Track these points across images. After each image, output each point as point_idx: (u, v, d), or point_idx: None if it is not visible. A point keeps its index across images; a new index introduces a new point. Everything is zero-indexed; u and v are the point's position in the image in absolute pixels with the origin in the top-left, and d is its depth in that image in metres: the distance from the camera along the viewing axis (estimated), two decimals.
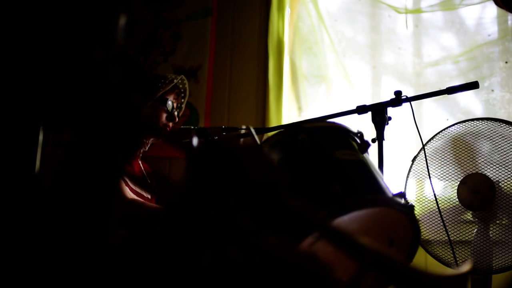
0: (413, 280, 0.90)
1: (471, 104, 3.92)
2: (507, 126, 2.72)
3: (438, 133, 2.85)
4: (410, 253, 1.67)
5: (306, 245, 1.31)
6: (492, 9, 3.94)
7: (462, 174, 2.74)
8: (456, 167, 2.77)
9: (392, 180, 3.63)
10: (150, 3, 4.25)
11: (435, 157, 2.81)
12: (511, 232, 2.65)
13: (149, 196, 2.98)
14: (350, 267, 1.17)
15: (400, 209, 1.55)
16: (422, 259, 3.17)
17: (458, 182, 2.74)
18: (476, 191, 2.68)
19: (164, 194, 0.94)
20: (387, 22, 4.16)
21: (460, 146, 2.79)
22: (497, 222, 2.70)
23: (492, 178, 2.68)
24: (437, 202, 2.59)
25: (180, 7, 4.24)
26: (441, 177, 2.78)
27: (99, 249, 0.97)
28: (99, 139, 0.99)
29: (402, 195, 1.60)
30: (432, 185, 2.62)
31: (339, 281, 1.09)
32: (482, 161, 2.73)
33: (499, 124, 2.74)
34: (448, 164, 2.79)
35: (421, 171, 2.83)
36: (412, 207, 1.60)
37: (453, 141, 2.80)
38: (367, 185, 1.57)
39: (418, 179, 2.82)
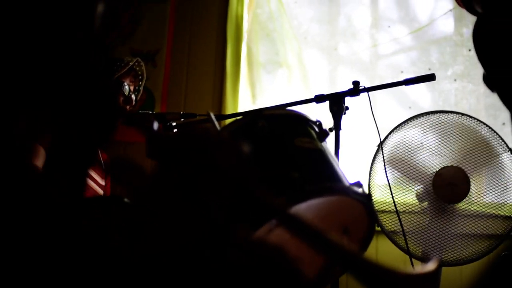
0: (368, 270, 0.90)
1: (429, 94, 3.98)
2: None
3: (411, 119, 2.85)
4: (365, 242, 1.69)
5: (263, 232, 1.31)
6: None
7: (437, 166, 2.77)
8: (430, 158, 2.79)
9: (360, 167, 3.67)
10: None
11: (403, 147, 2.81)
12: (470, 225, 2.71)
13: (103, 183, 2.94)
14: (315, 262, 1.17)
15: (357, 198, 1.56)
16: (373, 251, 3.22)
17: (432, 175, 2.75)
18: (453, 183, 2.71)
19: (133, 184, 0.92)
20: (345, 7, 4.19)
21: (432, 138, 2.81)
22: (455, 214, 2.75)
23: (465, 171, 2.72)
24: (391, 193, 2.62)
25: None
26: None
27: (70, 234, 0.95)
28: (77, 122, 0.97)
29: (359, 184, 1.62)
30: (386, 174, 2.66)
31: (306, 275, 1.10)
32: (454, 154, 2.77)
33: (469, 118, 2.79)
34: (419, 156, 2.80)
35: (388, 159, 2.84)
36: (368, 196, 1.61)
37: (424, 131, 2.82)
38: (325, 173, 1.57)
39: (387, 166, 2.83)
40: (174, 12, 4.14)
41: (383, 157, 2.71)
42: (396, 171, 2.75)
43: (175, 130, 2.52)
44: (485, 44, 1.06)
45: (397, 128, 2.81)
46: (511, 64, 0.98)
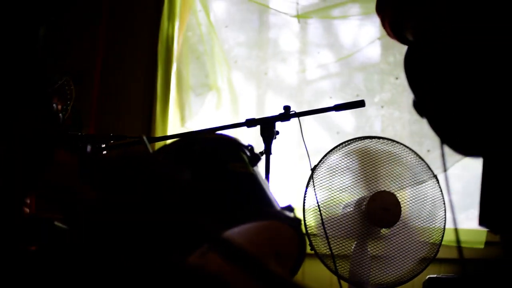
0: None
1: (352, 120, 4.05)
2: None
3: (343, 144, 2.87)
4: (296, 266, 1.70)
5: (196, 257, 1.30)
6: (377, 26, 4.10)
7: (369, 191, 2.80)
8: (362, 183, 2.82)
9: (291, 192, 3.70)
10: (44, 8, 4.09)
11: (336, 172, 2.83)
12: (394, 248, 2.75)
13: (28, 200, 2.86)
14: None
15: (288, 222, 1.57)
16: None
17: (365, 200, 2.78)
18: (386, 208, 2.75)
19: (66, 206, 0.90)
20: (275, 32, 4.24)
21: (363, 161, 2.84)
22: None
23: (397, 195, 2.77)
24: (321, 216, 2.65)
25: (70, 9, 4.12)
26: (343, 190, 2.81)
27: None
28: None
29: (290, 208, 1.63)
30: (316, 198, 2.68)
31: None
32: (385, 179, 2.81)
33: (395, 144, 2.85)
34: (350, 179, 2.82)
35: (321, 183, 2.84)
36: (299, 220, 1.62)
37: (356, 155, 2.84)
38: (257, 197, 1.58)
39: (319, 189, 2.84)
40: (105, 32, 4.09)
41: (313, 182, 2.74)
42: (329, 195, 2.78)
43: (104, 152, 2.49)
44: (415, 71, 1.08)
45: (331, 152, 2.84)
46: (440, 91, 1.01)
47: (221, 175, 1.58)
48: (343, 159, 2.82)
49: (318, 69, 4.16)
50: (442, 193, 2.84)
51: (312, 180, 2.77)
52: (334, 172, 2.79)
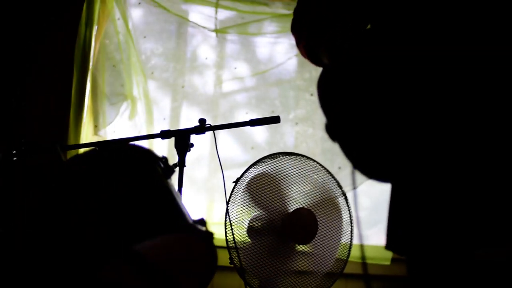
0: None
1: (266, 134, 4.09)
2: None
3: (263, 159, 2.88)
4: (205, 280, 1.70)
5: (108, 270, 1.29)
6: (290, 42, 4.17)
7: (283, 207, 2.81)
8: (280, 199, 2.83)
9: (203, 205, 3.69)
10: None
11: (255, 187, 2.82)
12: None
13: None
14: None
15: (199, 235, 1.57)
16: None
17: (282, 216, 2.79)
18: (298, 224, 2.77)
19: None
20: (193, 45, 4.25)
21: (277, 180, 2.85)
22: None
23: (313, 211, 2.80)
24: (232, 230, 2.65)
25: None
26: (260, 205, 2.81)
27: None
28: None
29: (202, 221, 1.63)
30: (228, 213, 2.69)
31: None
32: (302, 196, 2.84)
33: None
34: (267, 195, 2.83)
35: (240, 197, 2.83)
36: (210, 234, 1.62)
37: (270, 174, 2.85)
38: (170, 210, 1.57)
39: (237, 205, 2.83)
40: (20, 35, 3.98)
41: (226, 196, 2.74)
42: (246, 210, 2.78)
43: (15, 159, 2.42)
44: (327, 94, 1.10)
45: (253, 167, 2.84)
46: (350, 116, 1.03)
47: (133, 187, 1.56)
48: (262, 174, 2.83)
49: (234, 83, 4.18)
50: (350, 210, 2.91)
51: (231, 194, 2.77)
52: (253, 187, 2.79)
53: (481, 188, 0.99)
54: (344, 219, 2.89)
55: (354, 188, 1.27)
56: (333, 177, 2.91)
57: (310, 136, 4.04)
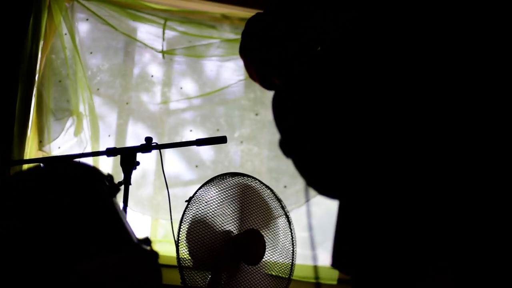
0: None
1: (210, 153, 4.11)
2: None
3: (214, 179, 2.88)
4: None
5: None
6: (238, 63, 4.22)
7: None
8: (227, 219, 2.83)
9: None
10: None
11: (203, 209, 2.82)
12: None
13: None
14: None
15: (144, 254, 1.58)
16: None
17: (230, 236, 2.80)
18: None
19: None
20: (140, 63, 4.25)
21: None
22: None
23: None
24: (177, 250, 2.66)
25: None
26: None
27: None
28: None
29: (147, 241, 1.64)
30: (172, 229, 2.69)
31: None
32: (250, 217, 2.86)
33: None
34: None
35: (190, 216, 2.81)
36: (155, 253, 1.63)
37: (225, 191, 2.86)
38: (115, 229, 1.58)
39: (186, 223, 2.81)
40: None
41: (171, 214, 2.74)
42: (197, 228, 2.78)
43: None
44: (281, 112, 1.12)
45: (203, 187, 2.83)
46: (303, 133, 1.05)
47: (78, 205, 1.56)
48: (212, 194, 2.83)
49: (180, 102, 4.19)
50: (292, 230, 2.93)
51: (184, 214, 2.76)
52: (201, 207, 2.79)
53: (426, 214, 1.01)
54: (287, 239, 2.92)
55: (307, 200, 1.29)
56: (276, 197, 2.93)
57: (255, 155, 4.07)
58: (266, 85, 1.56)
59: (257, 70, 1.60)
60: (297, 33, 1.43)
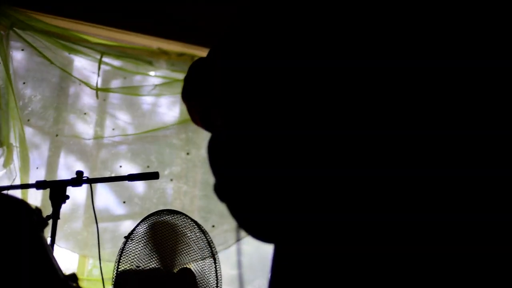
0: None
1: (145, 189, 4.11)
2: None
3: (150, 216, 2.89)
4: None
5: None
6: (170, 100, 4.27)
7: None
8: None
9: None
10: None
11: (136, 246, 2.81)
12: None
13: None
14: None
15: None
16: None
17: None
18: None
19: None
20: (74, 97, 4.23)
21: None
22: None
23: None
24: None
25: None
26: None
27: None
28: None
29: (74, 277, 1.64)
30: (101, 268, 2.68)
31: None
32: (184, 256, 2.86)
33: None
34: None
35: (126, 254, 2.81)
36: None
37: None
38: (41, 265, 1.57)
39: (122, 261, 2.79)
40: None
41: (99, 249, 2.73)
42: (130, 266, 2.76)
43: None
44: (218, 156, 1.11)
45: (141, 223, 2.83)
46: (241, 178, 1.04)
47: (4, 240, 1.55)
48: (145, 232, 2.83)
49: (112, 137, 4.19)
50: (217, 271, 2.94)
51: (122, 251, 2.74)
52: (139, 246, 2.79)
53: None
54: (211, 280, 2.92)
55: (238, 240, 1.28)
56: (206, 237, 2.95)
57: (185, 193, 4.09)
58: (209, 129, 1.56)
59: (199, 115, 1.63)
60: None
